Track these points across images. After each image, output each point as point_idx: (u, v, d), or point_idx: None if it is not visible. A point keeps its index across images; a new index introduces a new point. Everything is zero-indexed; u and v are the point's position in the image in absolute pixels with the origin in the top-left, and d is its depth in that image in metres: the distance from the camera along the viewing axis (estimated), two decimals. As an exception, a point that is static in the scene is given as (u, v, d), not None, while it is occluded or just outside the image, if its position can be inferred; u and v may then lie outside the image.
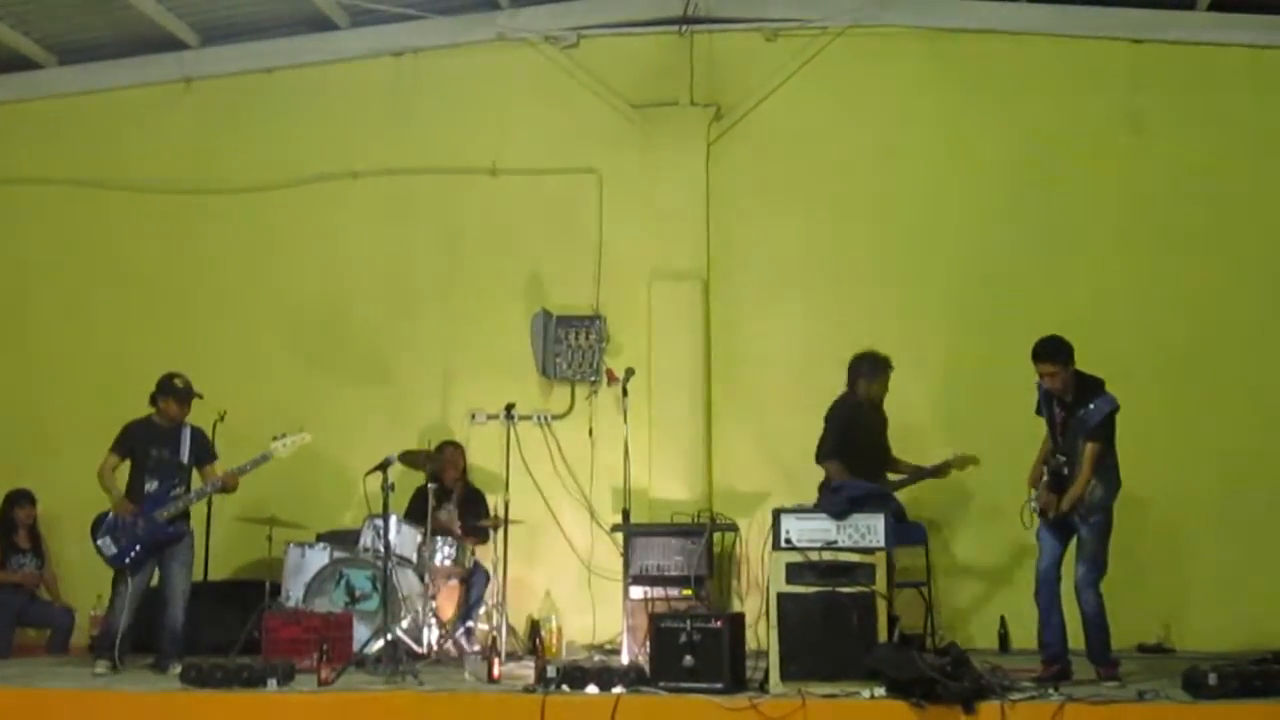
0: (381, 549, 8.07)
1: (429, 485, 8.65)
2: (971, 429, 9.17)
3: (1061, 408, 7.27)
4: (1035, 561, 7.35)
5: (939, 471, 8.44)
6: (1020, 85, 10.16)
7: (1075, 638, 7.33)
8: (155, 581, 8.11)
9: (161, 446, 8.09)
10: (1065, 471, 7.19)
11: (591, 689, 6.53)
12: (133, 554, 7.88)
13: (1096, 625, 7.14)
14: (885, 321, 9.70)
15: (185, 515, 8.09)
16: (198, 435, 8.25)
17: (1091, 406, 7.15)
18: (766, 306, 10.14)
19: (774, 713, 6.17)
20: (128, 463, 8.14)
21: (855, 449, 8.25)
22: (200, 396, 8.23)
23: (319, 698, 6.71)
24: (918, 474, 8.41)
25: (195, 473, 8.19)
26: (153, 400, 8.17)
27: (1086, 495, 7.14)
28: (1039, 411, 7.39)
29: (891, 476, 8.41)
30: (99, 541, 7.94)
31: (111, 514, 7.95)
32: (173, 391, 8.13)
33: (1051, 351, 7.27)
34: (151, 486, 8.02)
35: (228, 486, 8.15)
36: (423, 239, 10.56)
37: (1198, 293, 9.73)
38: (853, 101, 10.31)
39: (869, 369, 8.46)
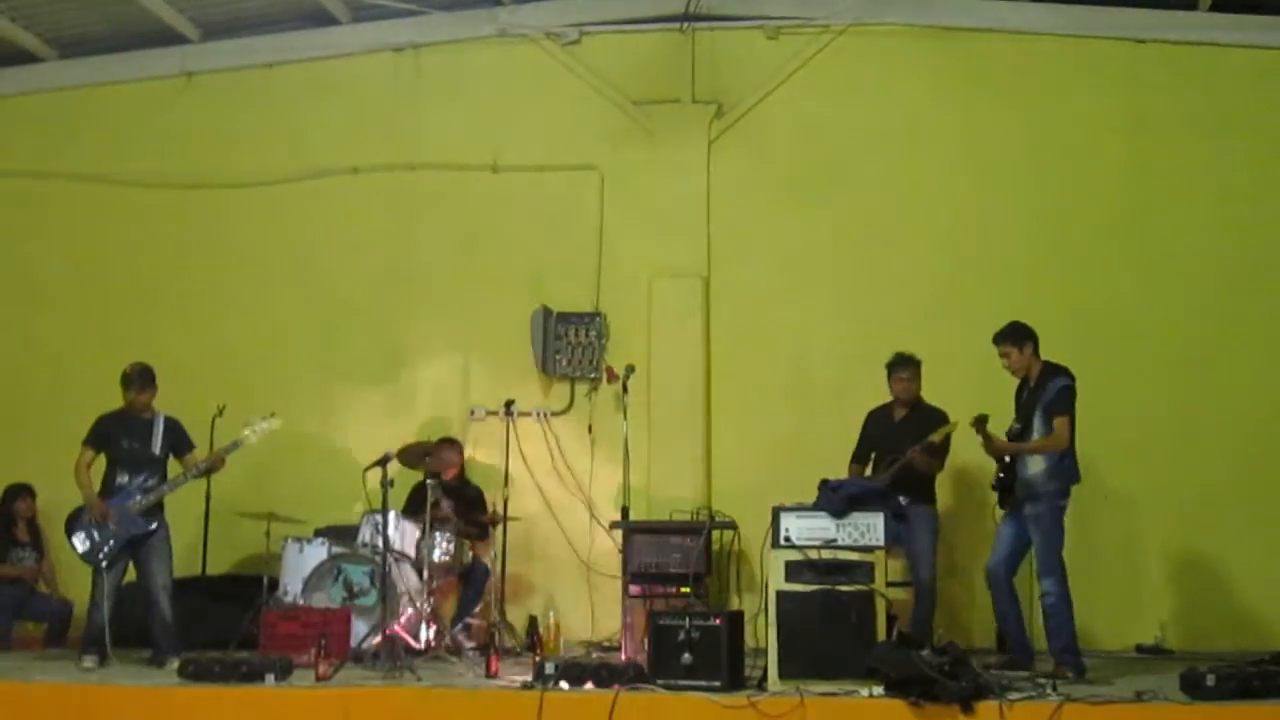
0: (380, 544, 8.07)
1: (427, 481, 8.65)
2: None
3: (1028, 393, 7.52)
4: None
5: (929, 449, 8.11)
6: (1022, 84, 10.17)
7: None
8: (134, 575, 8.12)
9: (132, 438, 8.08)
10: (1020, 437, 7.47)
11: (589, 686, 6.52)
12: (107, 549, 7.88)
13: (1051, 615, 7.29)
14: (886, 319, 9.71)
15: (160, 507, 8.08)
16: (171, 425, 8.22)
17: (1048, 384, 7.38)
18: (767, 304, 10.14)
19: (772, 711, 6.16)
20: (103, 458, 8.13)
21: (866, 449, 8.39)
22: (154, 377, 8.17)
23: (317, 693, 6.70)
24: (909, 457, 8.10)
25: (173, 464, 8.19)
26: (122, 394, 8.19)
27: (1031, 476, 7.31)
28: None
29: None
30: (73, 538, 7.95)
31: (84, 512, 7.96)
32: (124, 381, 8.12)
33: (1006, 334, 7.57)
34: (123, 479, 8.02)
35: (214, 468, 8.13)
36: (424, 235, 10.56)
37: (1200, 291, 9.73)
38: (853, 100, 10.31)
39: (887, 369, 8.48)
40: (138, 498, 7.95)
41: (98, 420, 8.14)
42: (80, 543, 7.92)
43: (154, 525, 8.02)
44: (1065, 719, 5.91)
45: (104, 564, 7.85)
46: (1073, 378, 7.46)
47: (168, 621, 7.94)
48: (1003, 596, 7.55)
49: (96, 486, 8.03)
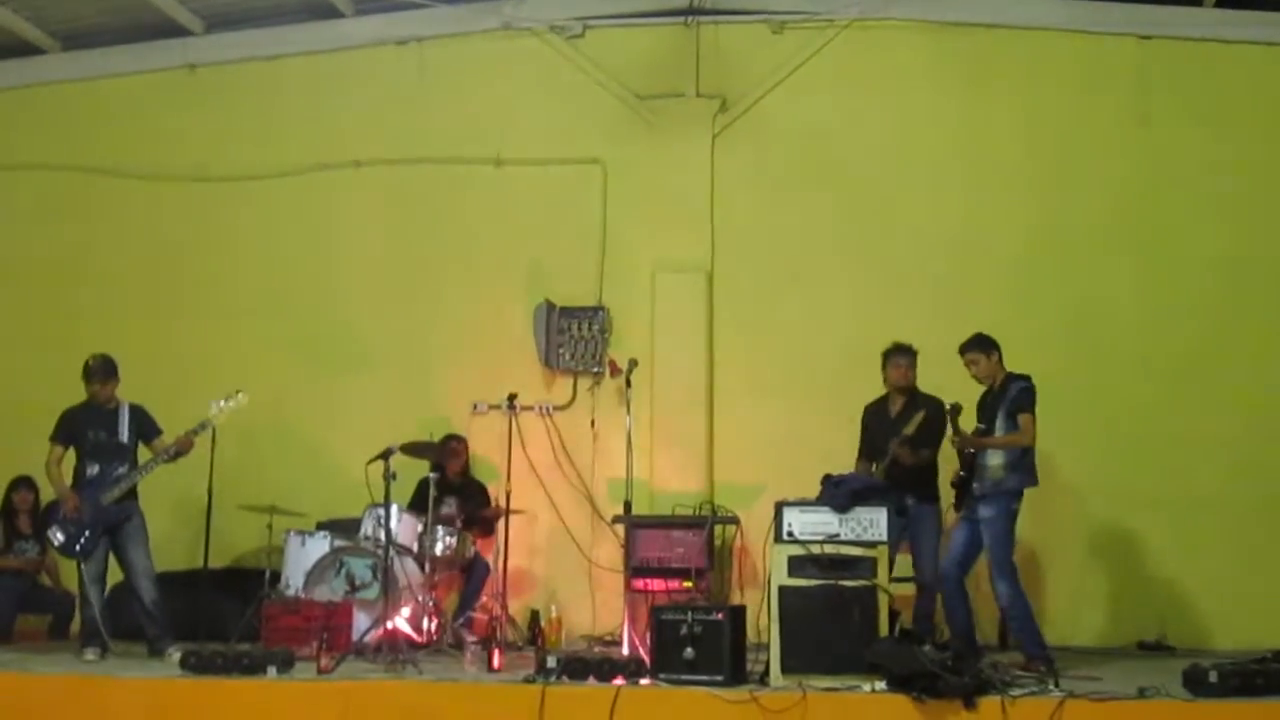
0: (382, 538, 8.07)
1: (431, 476, 8.65)
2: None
3: (991, 397, 7.66)
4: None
5: (908, 442, 7.98)
6: (1026, 80, 10.15)
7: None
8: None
9: (99, 429, 8.09)
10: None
11: (591, 680, 6.53)
12: (82, 541, 7.90)
13: (1011, 617, 7.54)
14: (889, 314, 9.68)
15: (133, 494, 8.09)
16: (136, 413, 8.22)
17: (1010, 387, 7.57)
18: (770, 298, 10.13)
19: (774, 705, 6.16)
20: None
21: (868, 442, 8.32)
22: (116, 368, 8.16)
23: (318, 686, 6.71)
24: (893, 453, 8.02)
25: (142, 451, 8.20)
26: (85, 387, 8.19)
27: (990, 474, 7.47)
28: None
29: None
30: (48, 532, 7.99)
31: (58, 506, 7.98)
32: (86, 374, 8.13)
33: (973, 343, 7.73)
34: (93, 471, 8.04)
35: (182, 451, 8.05)
36: (426, 229, 10.55)
37: (1202, 289, 9.71)
38: (858, 94, 10.29)
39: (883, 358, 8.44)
40: (110, 488, 7.96)
41: (62, 415, 8.17)
42: (55, 536, 7.96)
43: (128, 513, 8.03)
44: (1067, 715, 5.92)
45: (80, 555, 7.89)
46: (1033, 382, 7.62)
47: (150, 607, 7.96)
48: (954, 597, 7.68)
49: (69, 481, 8.05)
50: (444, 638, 8.22)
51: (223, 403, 8.12)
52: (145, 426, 8.24)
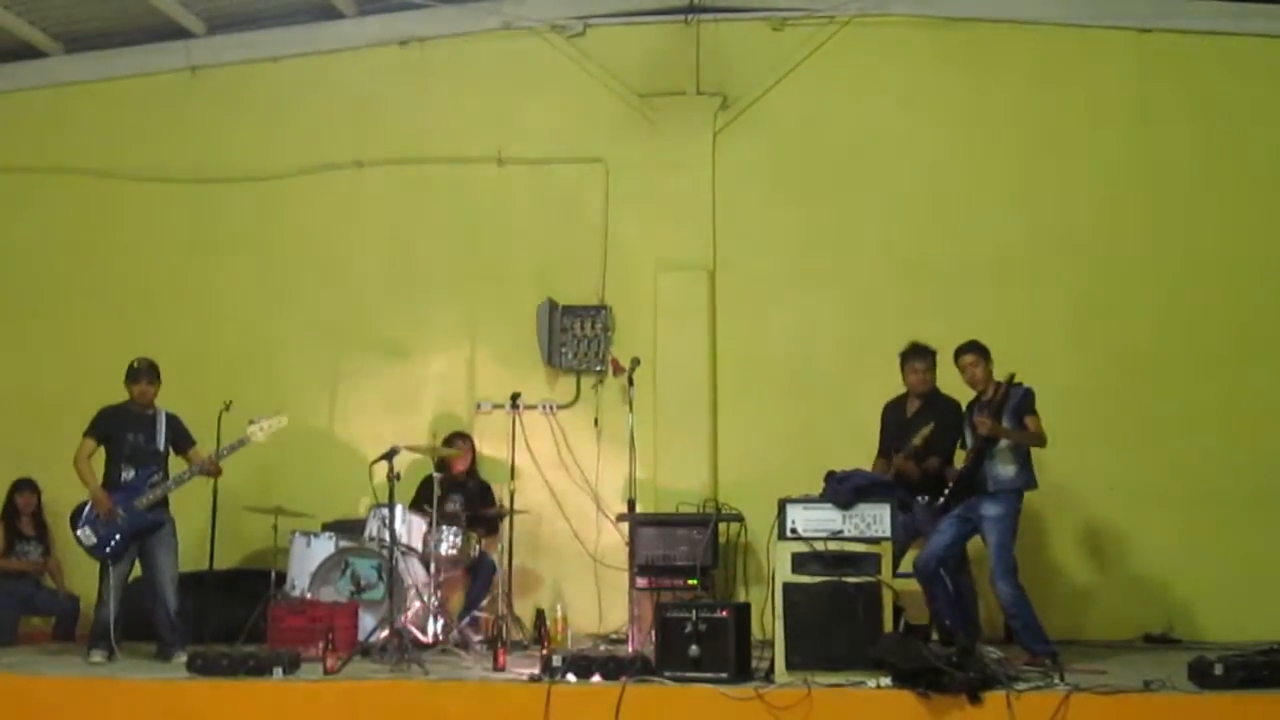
0: (387, 538, 8.07)
1: (435, 475, 8.65)
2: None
3: (995, 404, 7.48)
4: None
5: (914, 454, 7.93)
6: (1027, 74, 10.14)
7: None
8: (140, 570, 8.14)
9: (137, 433, 8.09)
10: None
11: (597, 678, 6.54)
12: (113, 543, 7.89)
13: (1013, 616, 7.44)
14: (892, 311, 9.69)
15: (165, 501, 8.09)
16: (173, 422, 8.25)
17: (1010, 391, 7.47)
18: (772, 296, 10.13)
19: (779, 702, 6.17)
20: (104, 451, 8.14)
21: (886, 441, 8.25)
22: (159, 372, 8.22)
23: (324, 686, 6.72)
24: (896, 467, 7.96)
25: (174, 459, 8.22)
26: (126, 388, 8.21)
27: (1000, 473, 7.40)
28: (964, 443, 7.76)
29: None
30: (78, 532, 7.95)
31: (90, 506, 7.96)
32: (130, 375, 8.15)
33: (973, 345, 7.65)
34: (129, 474, 8.03)
35: (209, 470, 8.11)
36: (428, 228, 10.56)
37: (1203, 284, 9.69)
38: (859, 91, 10.29)
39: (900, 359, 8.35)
40: (145, 493, 7.96)
41: (100, 413, 8.15)
42: (86, 536, 7.93)
43: (160, 519, 8.04)
44: (1073, 708, 5.92)
45: (110, 558, 7.87)
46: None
47: (174, 614, 7.96)
48: (934, 587, 7.60)
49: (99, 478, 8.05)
50: (450, 637, 8.23)
51: (263, 422, 8.15)
52: (180, 436, 8.27)
